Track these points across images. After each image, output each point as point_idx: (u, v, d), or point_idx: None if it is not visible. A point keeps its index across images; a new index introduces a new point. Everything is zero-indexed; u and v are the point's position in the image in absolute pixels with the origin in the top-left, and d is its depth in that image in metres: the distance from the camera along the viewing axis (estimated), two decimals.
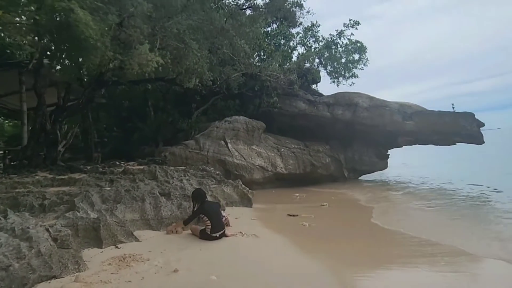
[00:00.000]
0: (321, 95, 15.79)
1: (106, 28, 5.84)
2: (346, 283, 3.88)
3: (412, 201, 9.83)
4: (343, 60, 15.93)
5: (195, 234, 5.11)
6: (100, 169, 8.84)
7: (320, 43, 16.26)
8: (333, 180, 14.25)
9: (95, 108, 15.72)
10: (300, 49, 16.83)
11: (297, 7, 15.75)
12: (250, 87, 14.25)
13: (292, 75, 13.31)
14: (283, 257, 4.59)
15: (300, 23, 16.42)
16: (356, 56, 16.00)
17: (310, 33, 16.34)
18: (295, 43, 16.79)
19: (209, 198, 6.76)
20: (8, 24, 6.31)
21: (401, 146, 15.35)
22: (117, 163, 10.62)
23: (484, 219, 7.52)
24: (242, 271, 3.92)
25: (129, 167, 9.05)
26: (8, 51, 10.40)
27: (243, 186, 8.41)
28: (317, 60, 15.98)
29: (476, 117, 13.04)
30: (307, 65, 15.44)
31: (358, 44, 15.64)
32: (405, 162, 21.99)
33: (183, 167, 9.69)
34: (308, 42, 16.53)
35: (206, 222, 4.98)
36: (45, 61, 8.15)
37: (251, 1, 14.92)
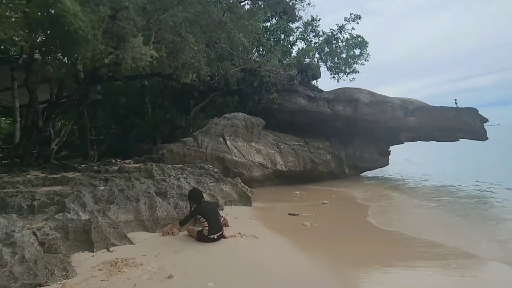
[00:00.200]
0: (321, 91, 15.55)
1: (98, 20, 5.56)
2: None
3: (414, 199, 9.60)
4: (344, 55, 15.66)
5: (192, 236, 4.89)
6: (95, 167, 8.59)
7: (321, 38, 15.97)
8: (333, 177, 14.05)
9: (92, 105, 15.45)
10: (300, 44, 16.56)
11: (297, 0, 15.44)
12: (249, 83, 14.00)
13: (292, 71, 13.03)
14: (284, 260, 4.36)
15: (300, 18, 16.14)
16: (357, 51, 15.74)
17: (310, 27, 16.05)
18: (294, 38, 16.52)
19: (207, 197, 6.56)
20: (0, 18, 6.05)
21: (403, 143, 15.16)
22: (113, 161, 10.37)
23: (488, 218, 7.31)
24: (241, 277, 3.70)
25: (125, 165, 8.80)
26: (3, 47, 10.12)
27: (242, 184, 8.19)
28: (317, 55, 15.72)
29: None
30: (307, 60, 15.19)
31: (359, 39, 15.36)
32: (408, 159, 21.78)
33: (180, 165, 9.46)
34: (308, 37, 16.24)
35: (203, 223, 4.76)
36: (37, 56, 7.87)
37: None
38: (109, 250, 4.24)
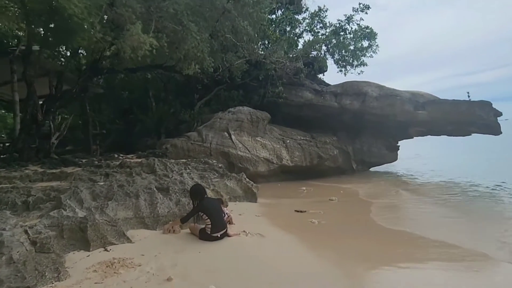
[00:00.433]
0: (327, 85, 15.18)
1: (95, 7, 5.27)
2: None
3: (422, 196, 9.29)
4: (352, 47, 15.20)
5: (195, 234, 4.63)
6: (96, 162, 8.38)
7: (328, 29, 15.51)
8: (341, 173, 13.73)
9: (97, 100, 15.29)
10: (307, 37, 16.14)
11: None
12: (254, 76, 13.67)
13: (298, 63, 12.65)
14: (291, 261, 4.08)
15: (307, 9, 15.69)
16: (365, 43, 15.27)
17: (317, 18, 15.56)
18: (301, 29, 16.07)
19: (211, 193, 6.30)
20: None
21: (412, 137, 14.76)
22: (115, 156, 10.16)
23: (499, 217, 6.98)
24: (245, 278, 3.43)
25: (127, 160, 8.58)
26: (5, 41, 9.93)
27: (247, 179, 7.93)
28: (324, 47, 15.29)
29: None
30: (314, 53, 14.78)
31: (368, 30, 14.87)
32: (418, 153, 21.29)
33: (184, 160, 9.22)
34: (315, 28, 15.77)
35: (206, 220, 4.49)
36: (34, 47, 7.63)
37: None
38: (106, 249, 4.00)
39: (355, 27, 15.17)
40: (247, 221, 5.69)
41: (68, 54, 9.38)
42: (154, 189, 5.40)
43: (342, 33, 15.18)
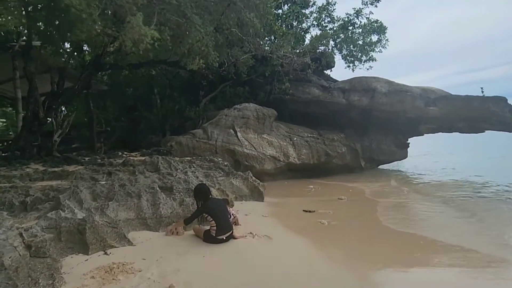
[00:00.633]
0: (335, 81, 14.81)
1: None
2: None
3: (431, 197, 8.91)
4: (360, 42, 14.80)
5: (199, 236, 4.40)
6: (99, 160, 8.19)
7: (336, 24, 15.11)
8: (349, 171, 13.42)
9: (101, 97, 15.14)
10: (314, 32, 15.78)
11: None
12: (261, 72, 13.39)
13: (305, 58, 12.31)
14: (301, 268, 3.81)
15: (314, 3, 15.29)
16: (375, 38, 14.86)
17: (325, 12, 15.17)
18: (308, 24, 15.70)
19: (216, 192, 6.07)
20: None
21: (423, 134, 14.36)
22: (119, 153, 9.98)
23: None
24: (252, 285, 3.19)
25: (130, 158, 8.38)
26: (4, 35, 9.77)
27: (254, 178, 7.67)
28: (332, 42, 14.91)
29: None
30: (321, 48, 14.41)
31: (377, 24, 14.44)
32: (429, 151, 20.85)
33: (188, 158, 9.01)
34: (322, 22, 15.38)
35: (211, 222, 4.26)
36: (35, 42, 7.45)
37: None
38: (105, 253, 3.79)
39: (364, 21, 14.79)
40: (254, 222, 5.45)
41: (71, 50, 9.18)
42: (157, 188, 5.18)
43: (350, 28, 14.79)
